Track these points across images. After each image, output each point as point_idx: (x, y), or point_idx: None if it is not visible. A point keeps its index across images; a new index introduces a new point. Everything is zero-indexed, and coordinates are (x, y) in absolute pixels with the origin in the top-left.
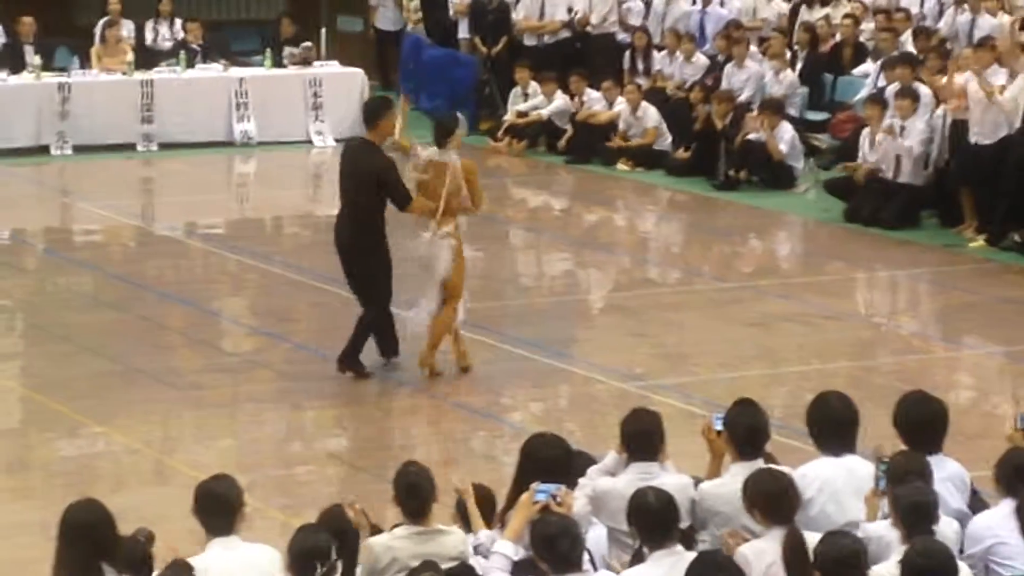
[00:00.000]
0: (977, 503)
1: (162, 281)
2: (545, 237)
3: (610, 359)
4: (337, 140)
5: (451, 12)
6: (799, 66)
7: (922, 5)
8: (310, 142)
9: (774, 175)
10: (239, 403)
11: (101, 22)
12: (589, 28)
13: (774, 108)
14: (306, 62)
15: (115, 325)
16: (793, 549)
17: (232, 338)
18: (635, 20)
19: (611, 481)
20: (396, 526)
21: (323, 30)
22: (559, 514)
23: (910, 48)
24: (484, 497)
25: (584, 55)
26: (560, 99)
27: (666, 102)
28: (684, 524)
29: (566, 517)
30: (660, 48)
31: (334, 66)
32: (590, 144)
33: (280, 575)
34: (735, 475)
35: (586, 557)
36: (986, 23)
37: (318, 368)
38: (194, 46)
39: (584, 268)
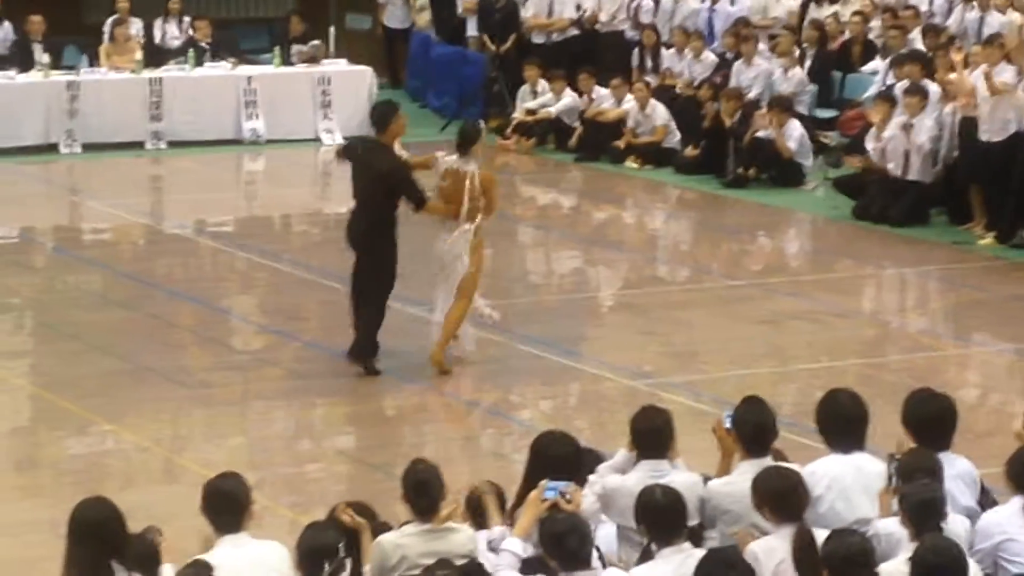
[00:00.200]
0: (987, 500)
1: (171, 279)
2: (554, 235)
3: (619, 357)
4: (346, 138)
5: (459, 10)
6: (808, 64)
7: (931, 2)
8: (319, 140)
9: (783, 173)
10: (248, 401)
11: (110, 20)
12: (598, 26)
13: (783, 106)
14: (315, 60)
15: (124, 323)
16: (803, 547)
17: (241, 336)
18: (644, 18)
19: (620, 479)
20: (405, 523)
21: (332, 28)
22: (568, 512)
23: (919, 45)
24: (494, 494)
25: (593, 53)
26: (569, 97)
27: (675, 100)
28: (693, 522)
29: (575, 515)
30: (669, 46)
31: (343, 64)
32: (599, 142)
33: (289, 572)
34: (744, 473)
35: (595, 555)
36: (995, 20)
37: (327, 366)
38: (203, 44)
39: (593, 266)
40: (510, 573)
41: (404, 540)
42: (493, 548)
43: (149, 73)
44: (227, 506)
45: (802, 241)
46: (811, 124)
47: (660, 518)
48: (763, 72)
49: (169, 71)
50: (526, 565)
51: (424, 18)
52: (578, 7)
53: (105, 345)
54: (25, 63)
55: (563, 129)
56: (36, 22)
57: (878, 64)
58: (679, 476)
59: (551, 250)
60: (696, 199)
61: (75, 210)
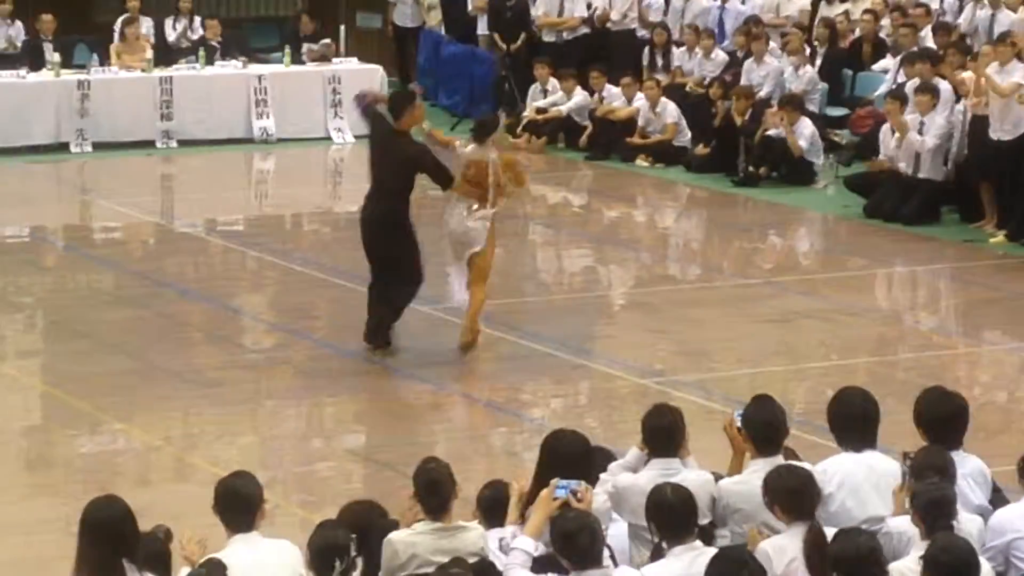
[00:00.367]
0: (998, 499)
1: (182, 278)
2: (564, 233)
3: (630, 355)
4: (357, 137)
5: (470, 8)
6: (818, 62)
7: (942, 1)
8: (329, 139)
9: (794, 171)
10: (259, 400)
11: (120, 19)
12: (609, 24)
13: (794, 104)
14: (325, 59)
15: (135, 322)
16: (814, 545)
17: (252, 335)
18: (654, 16)
19: (632, 477)
20: (416, 522)
21: (342, 27)
22: (579, 510)
23: (930, 44)
24: (505, 494)
25: (603, 51)
26: (579, 95)
27: (685, 98)
28: (705, 521)
29: (586, 513)
30: (679, 44)
31: (353, 63)
32: (609, 140)
33: (301, 571)
34: (754, 471)
35: (606, 553)
36: (1006, 18)
37: (338, 364)
38: (213, 43)
39: (604, 264)
40: (521, 572)
41: (415, 538)
42: (503, 548)
43: (160, 72)
44: (239, 505)
45: (813, 239)
46: (822, 122)
47: (670, 516)
48: (774, 70)
49: (180, 70)
50: (537, 564)
51: (434, 17)
52: (589, 5)
53: (116, 344)
54: (36, 62)
55: (573, 128)
56: (47, 21)
57: (889, 62)
58: (690, 474)
59: (562, 249)
60: (707, 197)
61: (86, 209)
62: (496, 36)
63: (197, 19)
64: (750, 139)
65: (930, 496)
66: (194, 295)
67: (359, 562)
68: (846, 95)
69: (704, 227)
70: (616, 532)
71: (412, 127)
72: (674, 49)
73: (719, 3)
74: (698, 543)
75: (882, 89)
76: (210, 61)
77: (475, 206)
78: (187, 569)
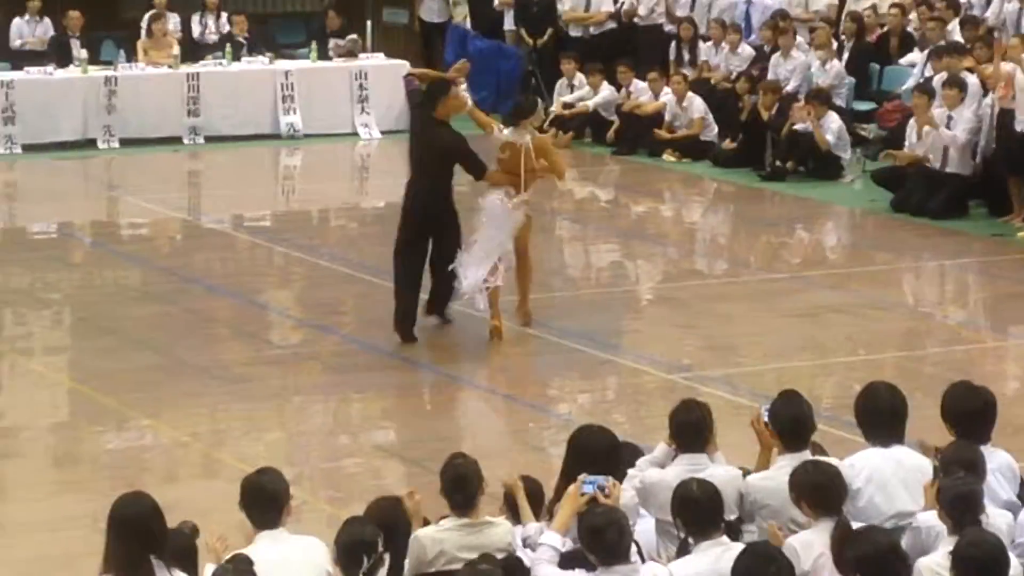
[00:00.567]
0: None
1: (209, 274)
2: (592, 228)
3: (657, 350)
4: (384, 132)
5: (496, 3)
6: (845, 56)
7: None
8: (356, 134)
9: (821, 165)
10: (287, 396)
11: (147, 15)
12: (636, 19)
13: (821, 98)
14: (351, 54)
15: (162, 318)
16: (842, 541)
17: (279, 330)
18: (681, 11)
19: (659, 473)
20: (443, 518)
21: (368, 22)
22: (606, 506)
23: (957, 37)
24: (532, 489)
25: (630, 46)
26: (606, 90)
27: (712, 93)
28: (732, 516)
29: (614, 509)
30: (706, 39)
31: (379, 58)
32: (636, 135)
33: (328, 567)
34: (782, 467)
35: (634, 549)
36: None
37: (366, 360)
38: (240, 39)
39: (631, 259)
40: (549, 567)
41: (442, 534)
42: (529, 544)
43: (186, 68)
44: (266, 502)
45: (840, 234)
46: (849, 116)
47: (696, 512)
48: (801, 64)
49: (206, 66)
50: (565, 559)
51: (461, 12)
52: (615, 1)
53: (143, 340)
54: (63, 59)
55: (600, 123)
56: (74, 18)
57: (916, 56)
58: (718, 470)
59: (589, 243)
60: (734, 192)
61: (113, 205)
62: (523, 31)
63: (224, 15)
64: (777, 134)
65: (956, 491)
66: (221, 291)
67: (386, 558)
68: (873, 89)
69: (731, 222)
70: (643, 528)
71: (449, 116)
72: (701, 44)
73: None
74: (725, 538)
75: (909, 83)
76: (237, 57)
77: (511, 191)
78: (214, 565)
